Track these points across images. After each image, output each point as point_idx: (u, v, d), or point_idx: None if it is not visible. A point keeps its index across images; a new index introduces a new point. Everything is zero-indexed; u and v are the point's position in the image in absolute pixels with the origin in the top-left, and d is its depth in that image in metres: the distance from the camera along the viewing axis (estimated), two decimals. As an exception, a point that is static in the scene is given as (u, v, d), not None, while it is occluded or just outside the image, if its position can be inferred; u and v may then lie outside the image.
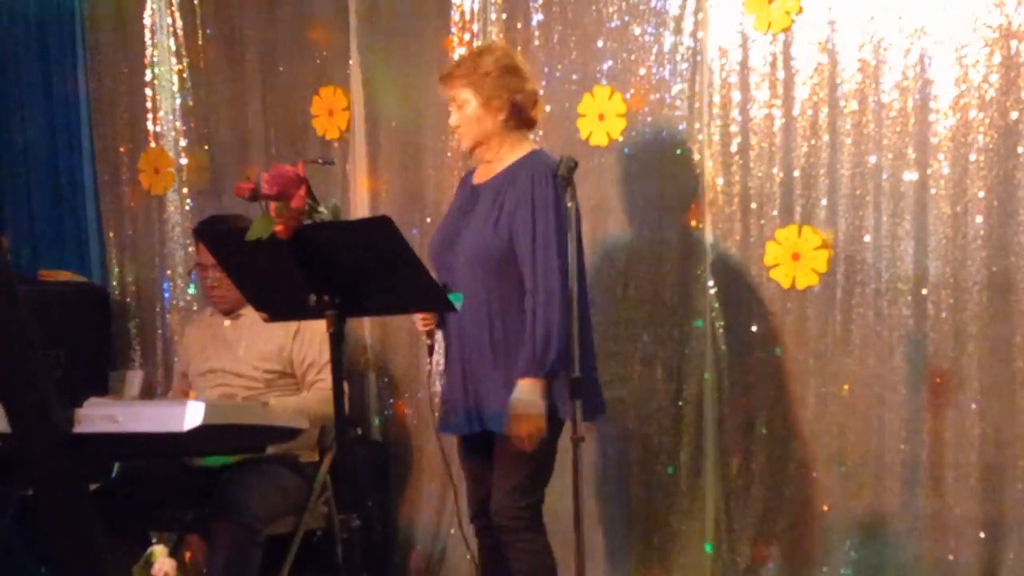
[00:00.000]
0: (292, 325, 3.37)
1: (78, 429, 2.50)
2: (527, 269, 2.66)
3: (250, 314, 3.28)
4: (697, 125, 3.32)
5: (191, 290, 4.27)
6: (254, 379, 3.40)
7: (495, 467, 2.73)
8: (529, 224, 2.66)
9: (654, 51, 3.38)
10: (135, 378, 4.32)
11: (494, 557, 2.86)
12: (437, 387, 3.28)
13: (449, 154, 3.74)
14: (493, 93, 2.75)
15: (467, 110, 2.76)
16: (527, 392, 2.62)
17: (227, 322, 3.52)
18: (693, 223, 3.32)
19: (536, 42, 3.55)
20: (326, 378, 3.29)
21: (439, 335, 2.91)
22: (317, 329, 3.18)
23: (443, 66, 2.98)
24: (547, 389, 2.64)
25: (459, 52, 3.67)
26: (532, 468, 2.71)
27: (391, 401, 3.92)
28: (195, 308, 4.21)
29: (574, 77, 3.48)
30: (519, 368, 2.64)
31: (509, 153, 2.80)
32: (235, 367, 3.42)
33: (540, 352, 2.61)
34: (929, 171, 3.03)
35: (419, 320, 2.85)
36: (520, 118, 2.79)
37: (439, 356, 3.00)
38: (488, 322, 2.71)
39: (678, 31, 3.33)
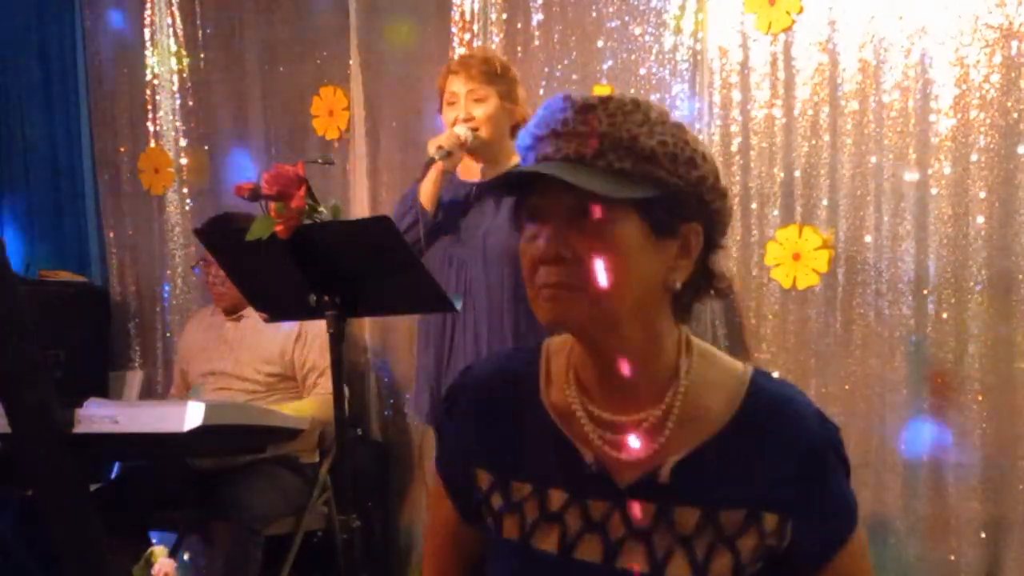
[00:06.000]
0: (293, 328, 3.37)
1: (78, 429, 2.50)
2: None
3: (252, 315, 3.29)
4: (697, 125, 3.32)
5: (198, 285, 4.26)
6: (255, 382, 3.40)
7: None
8: None
9: (654, 51, 3.37)
10: (134, 379, 4.32)
11: None
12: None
13: (449, 154, 3.74)
14: (509, 98, 2.87)
15: (489, 105, 2.86)
16: None
17: (228, 323, 3.52)
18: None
19: (536, 42, 3.55)
20: (325, 383, 3.29)
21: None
22: (318, 332, 3.18)
23: (464, 60, 2.99)
24: None
25: (459, 52, 3.67)
26: None
27: (391, 401, 3.92)
28: (194, 307, 4.21)
29: (574, 77, 3.48)
30: None
31: (509, 160, 2.89)
32: (236, 369, 3.42)
33: None
34: (930, 171, 3.03)
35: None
36: (516, 129, 2.89)
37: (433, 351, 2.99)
38: (513, 314, 2.77)
39: (678, 31, 3.33)
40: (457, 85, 2.89)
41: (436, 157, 2.80)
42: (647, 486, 1.25)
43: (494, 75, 2.86)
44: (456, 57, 3.33)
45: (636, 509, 1.25)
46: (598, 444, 1.26)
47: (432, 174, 2.87)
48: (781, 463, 1.23)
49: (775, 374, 3.22)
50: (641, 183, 1.19)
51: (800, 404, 1.28)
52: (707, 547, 1.23)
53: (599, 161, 1.19)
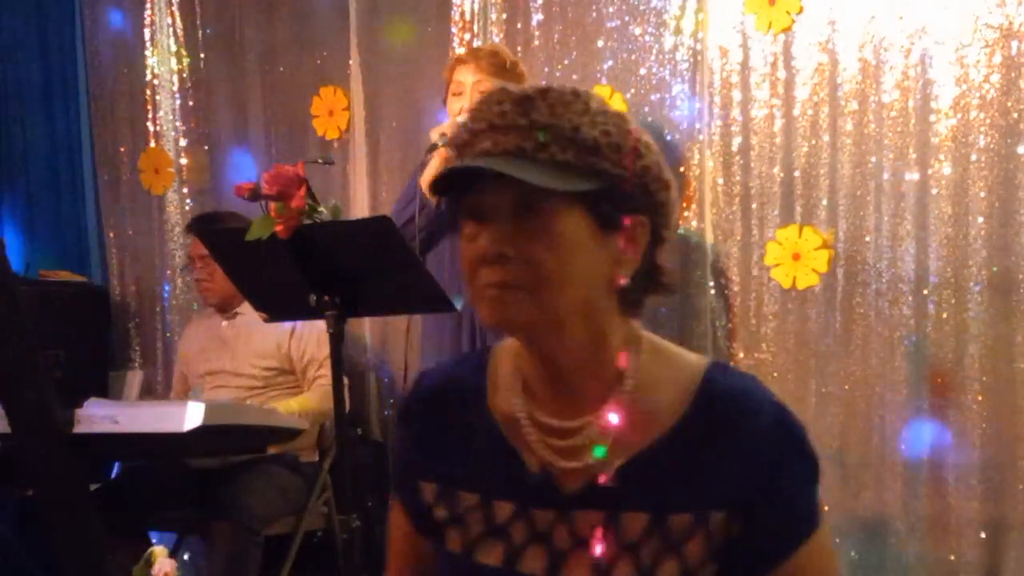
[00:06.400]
0: (288, 322, 3.37)
1: (78, 429, 2.50)
2: None
3: (247, 313, 3.29)
4: (697, 125, 3.32)
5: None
6: (253, 378, 3.40)
7: None
8: None
9: (654, 51, 3.37)
10: (134, 379, 4.32)
11: None
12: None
13: (449, 154, 3.74)
14: None
15: None
16: None
17: (224, 322, 3.53)
18: (693, 223, 3.32)
19: (536, 42, 3.55)
20: (327, 374, 3.29)
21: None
22: (314, 325, 3.18)
23: (475, 51, 3.02)
24: None
25: (459, 52, 3.67)
26: None
27: (391, 401, 3.92)
28: (195, 307, 4.21)
29: (574, 77, 3.48)
30: None
31: None
32: (234, 367, 3.42)
33: None
34: (930, 171, 3.03)
35: None
36: None
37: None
38: None
39: (678, 31, 3.33)
40: (465, 75, 2.90)
41: (439, 144, 2.79)
42: (593, 493, 1.19)
43: (503, 69, 2.87)
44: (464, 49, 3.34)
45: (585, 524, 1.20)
46: (543, 452, 1.21)
47: (434, 162, 2.86)
48: (733, 460, 1.17)
49: (774, 374, 3.24)
50: (585, 175, 1.14)
51: (757, 397, 1.20)
52: (654, 553, 1.18)
53: (541, 154, 1.13)
